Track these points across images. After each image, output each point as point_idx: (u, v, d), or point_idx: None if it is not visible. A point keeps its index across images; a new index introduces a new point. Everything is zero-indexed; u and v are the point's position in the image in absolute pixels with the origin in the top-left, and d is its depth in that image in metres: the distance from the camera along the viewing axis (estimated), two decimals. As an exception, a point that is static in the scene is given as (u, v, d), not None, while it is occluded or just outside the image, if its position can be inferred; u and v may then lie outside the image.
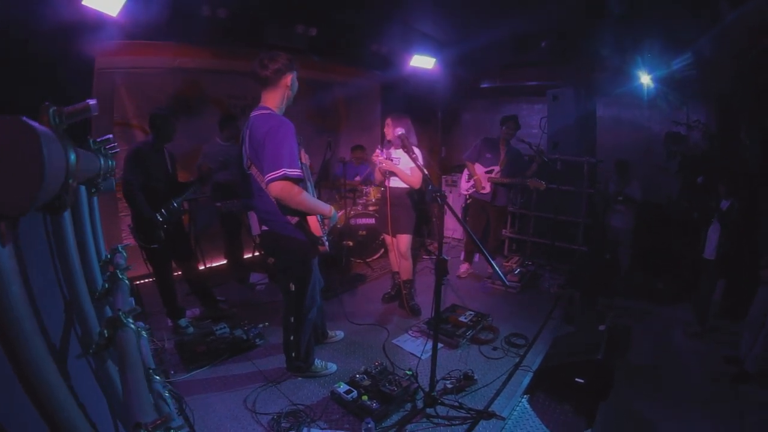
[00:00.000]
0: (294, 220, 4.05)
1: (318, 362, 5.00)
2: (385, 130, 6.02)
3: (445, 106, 10.84)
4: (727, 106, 7.72)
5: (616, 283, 7.26)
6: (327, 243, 4.31)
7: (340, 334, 5.76)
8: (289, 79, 4.05)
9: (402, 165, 5.97)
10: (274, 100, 4.07)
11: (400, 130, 5.18)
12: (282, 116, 3.97)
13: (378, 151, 5.97)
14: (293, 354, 4.71)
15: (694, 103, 8.31)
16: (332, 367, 5.09)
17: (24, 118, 0.75)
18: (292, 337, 4.61)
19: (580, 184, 8.49)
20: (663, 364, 5.53)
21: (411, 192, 6.15)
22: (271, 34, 6.91)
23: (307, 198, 3.92)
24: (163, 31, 5.93)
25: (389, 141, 6.03)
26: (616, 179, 7.95)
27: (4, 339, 0.90)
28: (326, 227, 4.27)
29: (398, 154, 6.04)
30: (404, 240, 6.36)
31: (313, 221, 4.07)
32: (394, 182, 6.14)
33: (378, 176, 6.26)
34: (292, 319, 4.51)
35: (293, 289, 4.38)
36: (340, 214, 6.56)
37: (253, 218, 4.15)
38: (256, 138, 3.82)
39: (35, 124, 0.76)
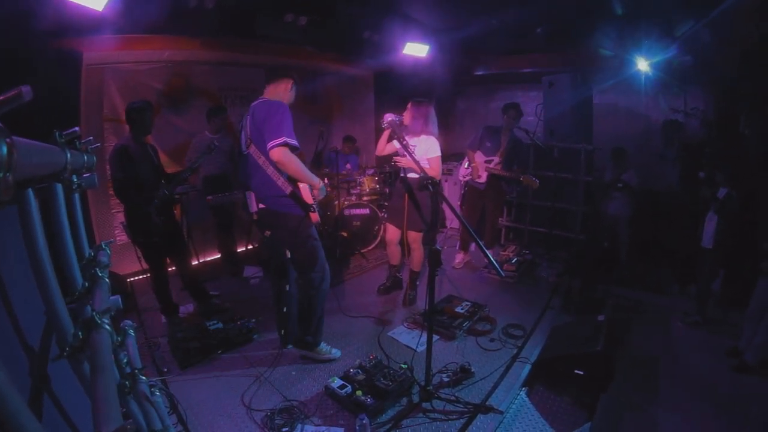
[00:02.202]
0: (288, 189, 4.43)
1: (324, 345, 5.14)
2: (403, 114, 5.90)
3: (440, 94, 10.74)
4: (726, 94, 7.66)
5: (614, 272, 7.20)
6: (317, 212, 4.68)
7: None
8: (290, 84, 4.72)
9: (418, 152, 5.64)
10: (274, 94, 4.64)
11: (389, 116, 5.12)
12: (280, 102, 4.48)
13: (389, 115, 5.49)
14: (303, 327, 4.96)
15: (692, 91, 8.25)
16: (337, 352, 5.20)
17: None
18: (303, 310, 4.91)
19: (577, 172, 8.43)
20: (663, 355, 5.47)
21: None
22: (262, 23, 6.85)
23: (302, 166, 4.40)
24: (150, 23, 5.87)
25: (406, 126, 5.87)
26: (613, 167, 7.90)
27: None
28: (316, 198, 4.65)
29: (415, 141, 5.82)
30: (414, 234, 6.28)
31: (304, 190, 4.50)
32: (410, 172, 6.02)
33: (381, 145, 6.12)
34: (286, 288, 4.89)
35: (289, 255, 4.77)
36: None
37: (250, 197, 4.55)
38: (259, 118, 4.36)
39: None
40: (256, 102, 4.56)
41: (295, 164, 4.30)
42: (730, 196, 5.77)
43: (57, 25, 4.97)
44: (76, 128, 1.72)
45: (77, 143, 1.85)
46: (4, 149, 0.81)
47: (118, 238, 6.65)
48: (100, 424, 1.06)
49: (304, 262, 4.75)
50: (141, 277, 6.73)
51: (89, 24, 5.31)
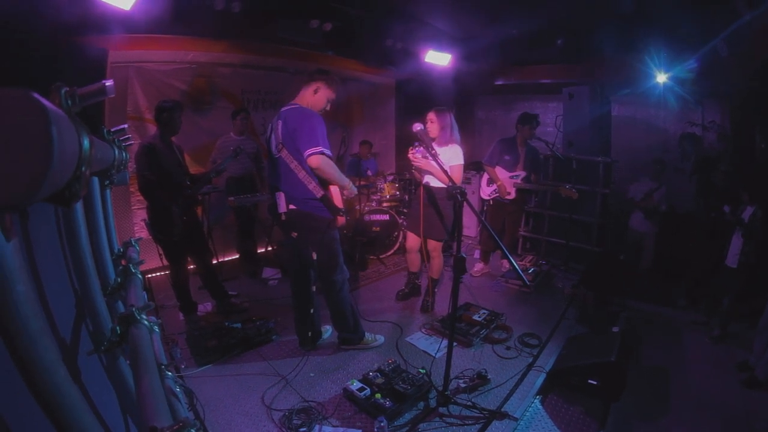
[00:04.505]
0: (320, 193, 4.58)
1: (368, 335, 5.45)
2: (427, 126, 5.87)
3: (459, 102, 10.75)
4: (742, 108, 7.63)
5: (632, 285, 7.15)
6: (345, 215, 5.04)
7: (327, 330, 5.71)
8: (315, 87, 4.74)
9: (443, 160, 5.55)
10: (302, 98, 4.73)
11: (417, 126, 5.09)
12: (309, 109, 4.64)
13: (412, 149, 5.74)
14: (341, 326, 5.23)
15: (709, 104, 8.24)
16: (381, 338, 5.57)
17: (31, 92, 0.69)
18: (336, 310, 5.11)
19: (595, 184, 8.42)
20: (675, 367, 5.46)
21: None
22: (285, 28, 6.89)
23: (338, 170, 4.63)
24: (176, 24, 5.93)
25: (433, 138, 5.84)
26: (649, 179, 7.83)
27: (9, 340, 0.86)
28: (346, 198, 5.00)
29: (440, 150, 5.73)
30: (435, 242, 6.28)
31: (336, 194, 4.70)
32: (432, 181, 5.99)
33: (416, 174, 6.15)
34: (312, 290, 5.10)
35: (315, 257, 4.86)
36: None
37: (280, 198, 4.67)
38: (292, 125, 4.48)
39: (45, 101, 0.70)
40: (287, 107, 4.66)
41: (332, 169, 4.50)
42: (755, 216, 5.72)
43: (84, 22, 5.03)
44: (125, 125, 1.75)
45: (116, 140, 1.87)
46: (87, 144, 0.83)
47: (137, 235, 6.69)
48: (151, 419, 1.06)
49: (327, 264, 4.85)
50: (159, 274, 6.77)
51: (116, 22, 5.36)
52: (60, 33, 4.93)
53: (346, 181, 4.75)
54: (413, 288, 6.93)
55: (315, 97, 4.73)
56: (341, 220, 4.81)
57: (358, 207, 8.77)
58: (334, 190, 4.69)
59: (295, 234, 4.76)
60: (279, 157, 4.59)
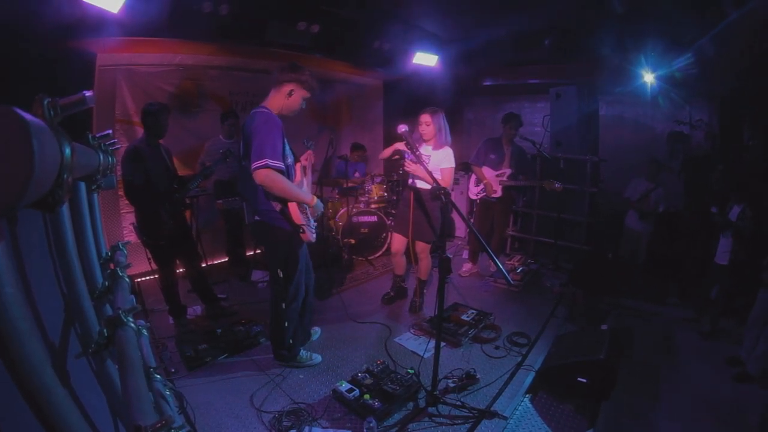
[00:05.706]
0: (278, 207, 4.35)
1: (303, 353, 5.12)
2: (421, 128, 5.84)
3: (448, 104, 10.74)
4: (729, 106, 7.67)
5: (623, 283, 7.18)
6: (313, 233, 4.66)
7: (316, 331, 5.75)
8: (288, 89, 4.36)
9: (432, 162, 5.73)
10: (273, 101, 4.42)
11: (402, 128, 5.08)
12: (270, 113, 4.29)
13: (402, 126, 5.33)
14: (278, 341, 4.91)
15: (697, 102, 8.27)
16: (317, 358, 5.19)
17: (14, 108, 0.72)
18: (276, 325, 4.80)
19: (583, 183, 8.46)
20: (665, 364, 5.49)
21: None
22: (274, 31, 6.89)
23: (289, 186, 4.23)
24: (164, 27, 5.90)
25: (425, 140, 5.88)
26: (646, 179, 7.83)
27: (-1, 340, 0.88)
28: (312, 216, 4.69)
29: (428, 151, 5.83)
30: (423, 244, 6.27)
31: (294, 210, 4.35)
32: (420, 182, 5.95)
33: (387, 152, 6.08)
34: (284, 305, 4.67)
35: (281, 275, 4.61)
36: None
37: (247, 208, 4.53)
38: (247, 132, 4.21)
39: (26, 114, 0.72)
40: (253, 109, 4.37)
41: (280, 185, 4.09)
42: (744, 214, 5.75)
43: (72, 25, 4.99)
44: (109, 131, 1.77)
45: (102, 145, 1.88)
46: (68, 151, 0.86)
47: (126, 239, 6.68)
48: (136, 418, 1.09)
49: (284, 279, 4.64)
50: (148, 277, 6.76)
51: (104, 25, 5.33)
52: (48, 38, 4.91)
53: (305, 197, 4.43)
54: (399, 291, 6.95)
55: (290, 99, 4.39)
56: (305, 237, 4.50)
57: (345, 209, 8.78)
58: (291, 205, 4.34)
59: (262, 248, 4.66)
60: (244, 165, 4.31)
